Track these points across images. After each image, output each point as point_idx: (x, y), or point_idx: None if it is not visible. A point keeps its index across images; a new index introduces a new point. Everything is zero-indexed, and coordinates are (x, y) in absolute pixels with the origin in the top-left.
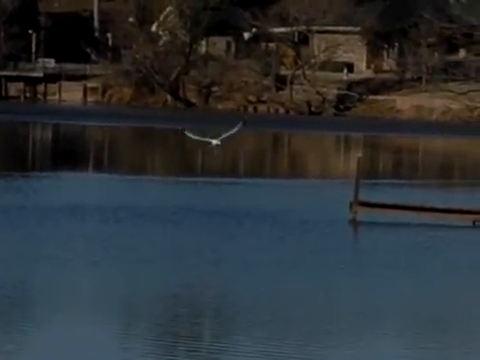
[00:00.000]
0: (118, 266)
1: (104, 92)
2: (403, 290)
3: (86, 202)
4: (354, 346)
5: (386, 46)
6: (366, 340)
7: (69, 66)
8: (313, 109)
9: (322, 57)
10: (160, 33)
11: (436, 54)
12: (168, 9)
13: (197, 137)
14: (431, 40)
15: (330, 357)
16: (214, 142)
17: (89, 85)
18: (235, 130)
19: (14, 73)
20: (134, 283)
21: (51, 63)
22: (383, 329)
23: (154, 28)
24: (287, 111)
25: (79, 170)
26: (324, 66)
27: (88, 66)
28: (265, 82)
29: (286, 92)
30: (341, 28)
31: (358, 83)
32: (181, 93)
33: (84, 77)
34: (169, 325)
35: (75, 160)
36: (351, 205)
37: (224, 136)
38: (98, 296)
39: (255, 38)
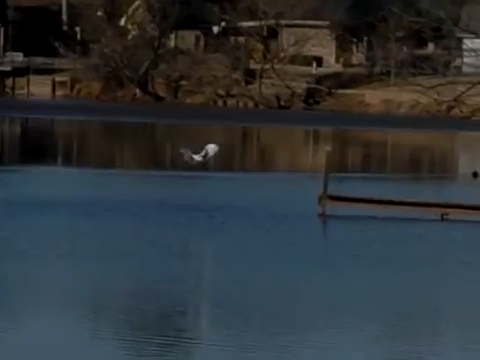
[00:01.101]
0: (87, 260)
1: (73, 86)
2: (371, 283)
3: (55, 196)
4: (322, 338)
5: (355, 40)
6: (333, 332)
7: (38, 60)
8: (282, 103)
9: (291, 51)
10: (129, 27)
11: (405, 48)
12: (137, 3)
13: (185, 152)
14: (400, 34)
15: (298, 349)
16: (196, 158)
17: (58, 79)
18: (215, 148)
19: None
20: (104, 278)
21: (19, 57)
22: (351, 321)
23: (123, 22)
24: (256, 105)
25: (48, 164)
26: (293, 60)
27: (57, 60)
28: (234, 76)
29: (255, 86)
30: (310, 22)
31: (327, 77)
32: (150, 87)
33: (53, 71)
34: (139, 320)
35: (44, 154)
36: (320, 199)
37: (204, 152)
38: (67, 291)
39: (224, 32)
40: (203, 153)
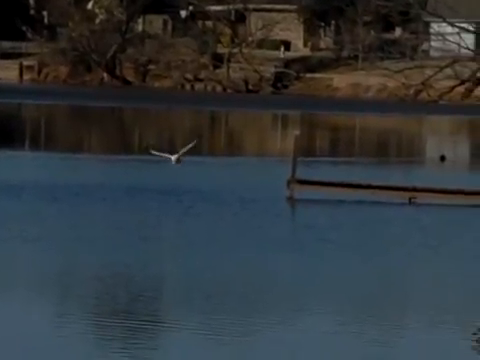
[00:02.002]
0: (55, 245)
1: (40, 70)
2: (340, 266)
3: (23, 181)
4: (291, 322)
5: (323, 24)
6: (302, 316)
7: (5, 44)
8: (250, 87)
9: (259, 35)
10: (96, 11)
11: (372, 32)
12: None
13: (160, 154)
14: (367, 18)
15: (267, 332)
16: (173, 158)
17: (25, 63)
18: (189, 146)
19: None
20: (72, 262)
21: None
22: (320, 305)
23: (90, 6)
24: (224, 89)
25: (15, 149)
26: (261, 44)
27: (24, 44)
28: (202, 60)
29: (223, 70)
30: (278, 6)
31: (295, 61)
32: (118, 71)
33: (20, 55)
34: (107, 304)
35: (11, 138)
36: (288, 183)
37: (181, 153)
38: (35, 275)
39: (192, 16)
40: (180, 153)
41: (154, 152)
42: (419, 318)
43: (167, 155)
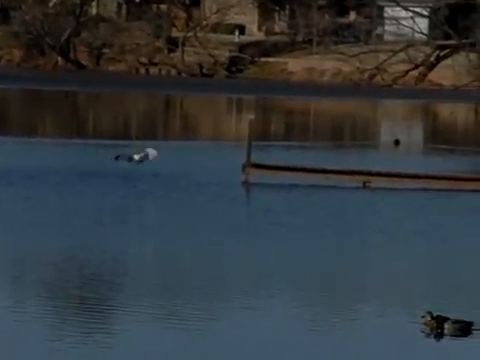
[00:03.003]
0: (8, 229)
1: None
2: (295, 250)
3: None
4: (246, 305)
5: (277, 8)
6: (257, 300)
7: None
8: (205, 71)
9: (213, 19)
10: None
11: (327, 16)
12: None
13: (123, 154)
14: (322, 2)
15: (223, 317)
16: (136, 158)
17: None
18: (155, 155)
19: None
20: (25, 246)
21: None
22: (275, 289)
23: None
24: (179, 73)
25: None
26: (216, 28)
27: None
28: (157, 44)
29: (178, 54)
30: None
31: (250, 45)
32: (72, 55)
33: None
34: (62, 288)
35: None
36: (243, 167)
37: (144, 153)
38: None
39: (146, 0)
40: (142, 154)
41: (121, 157)
42: (372, 301)
43: (131, 155)
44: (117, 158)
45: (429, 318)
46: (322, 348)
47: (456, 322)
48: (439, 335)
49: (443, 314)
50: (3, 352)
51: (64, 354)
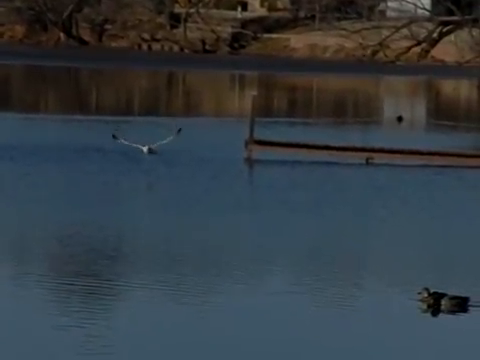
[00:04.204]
0: (12, 205)
1: None
2: (297, 227)
3: None
4: (249, 282)
5: None
6: (260, 276)
7: None
8: (207, 47)
9: None
10: None
11: None
12: None
13: (129, 143)
14: None
15: (225, 294)
16: (145, 150)
17: None
18: (169, 139)
19: None
20: (29, 222)
21: None
22: (278, 265)
23: None
24: (181, 49)
25: None
26: (218, 4)
27: None
28: (159, 20)
29: (180, 30)
30: None
31: (252, 21)
32: (74, 31)
33: None
34: (64, 263)
35: None
36: (246, 143)
37: (158, 144)
38: None
39: None
40: (155, 145)
41: (123, 141)
42: (372, 278)
43: (139, 146)
44: (114, 137)
45: (426, 294)
46: (320, 323)
47: (453, 298)
48: (436, 311)
49: (440, 290)
50: (7, 328)
51: (67, 329)
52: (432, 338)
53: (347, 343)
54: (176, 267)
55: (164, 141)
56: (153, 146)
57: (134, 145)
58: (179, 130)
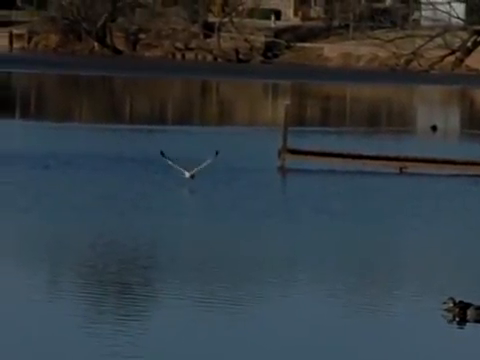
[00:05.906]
0: (48, 214)
1: (30, 39)
2: (331, 236)
3: (14, 150)
4: (282, 291)
5: None
6: (294, 285)
7: None
8: (241, 56)
9: (249, 4)
10: None
11: (363, 1)
12: None
13: (173, 164)
14: None
15: (259, 303)
16: (187, 175)
17: (15, 32)
18: (208, 162)
19: None
20: (64, 231)
21: None
22: (311, 274)
23: None
24: (215, 58)
25: (6, 117)
26: (252, 13)
27: (14, 12)
28: (193, 29)
29: (214, 39)
30: None
31: (286, 30)
32: (108, 40)
33: (10, 23)
34: (99, 272)
35: (1, 107)
36: (280, 152)
37: (197, 169)
38: (28, 244)
39: None
40: (196, 170)
41: (170, 163)
42: (409, 288)
43: (182, 169)
44: (162, 154)
45: (451, 304)
46: (350, 332)
47: (479, 308)
48: (462, 321)
49: (466, 300)
50: (41, 335)
51: (101, 337)
52: (457, 348)
53: (374, 353)
54: (210, 276)
55: (202, 165)
56: (194, 172)
57: (178, 167)
58: (217, 153)
